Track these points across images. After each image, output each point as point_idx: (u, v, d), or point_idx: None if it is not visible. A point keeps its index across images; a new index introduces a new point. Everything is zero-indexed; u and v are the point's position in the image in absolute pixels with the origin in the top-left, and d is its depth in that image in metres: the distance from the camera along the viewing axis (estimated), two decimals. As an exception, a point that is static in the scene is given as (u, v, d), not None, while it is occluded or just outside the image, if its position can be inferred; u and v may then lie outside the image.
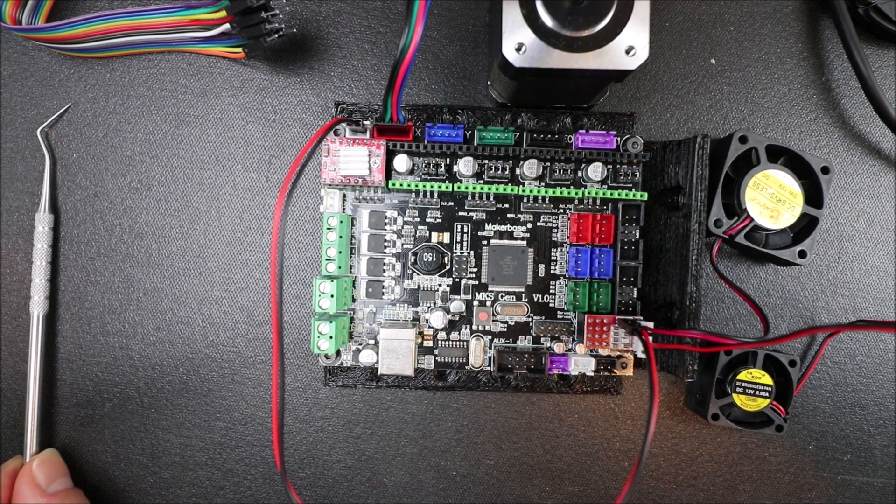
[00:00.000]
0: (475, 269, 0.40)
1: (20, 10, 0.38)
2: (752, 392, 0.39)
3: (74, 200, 0.41)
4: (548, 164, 0.39)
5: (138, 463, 0.41)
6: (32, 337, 0.40)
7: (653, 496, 0.42)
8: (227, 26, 0.36)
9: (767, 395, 0.39)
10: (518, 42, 0.31)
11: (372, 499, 0.42)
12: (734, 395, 0.39)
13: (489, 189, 0.39)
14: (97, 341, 0.41)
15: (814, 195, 0.39)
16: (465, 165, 0.39)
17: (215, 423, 0.41)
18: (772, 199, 0.38)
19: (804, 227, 0.39)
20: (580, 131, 0.38)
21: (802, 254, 0.39)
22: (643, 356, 0.38)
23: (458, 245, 0.40)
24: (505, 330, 0.40)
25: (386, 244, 0.40)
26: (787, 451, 0.42)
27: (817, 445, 0.42)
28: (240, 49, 0.38)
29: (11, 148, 0.41)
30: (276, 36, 0.37)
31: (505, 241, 0.40)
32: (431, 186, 0.39)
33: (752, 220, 0.38)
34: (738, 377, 0.39)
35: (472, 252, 0.40)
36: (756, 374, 0.39)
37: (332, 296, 0.36)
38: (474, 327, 0.40)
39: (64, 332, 0.41)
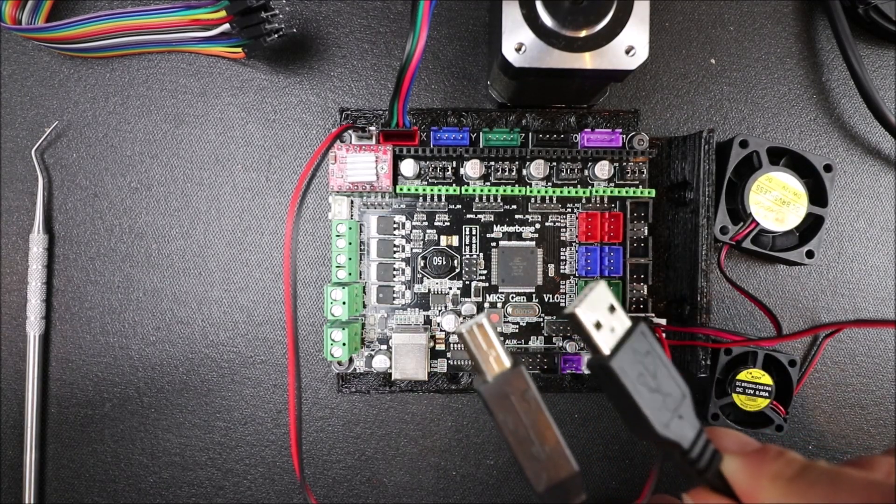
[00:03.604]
0: (485, 272, 0.40)
1: (20, 10, 0.38)
2: (752, 392, 0.39)
3: (74, 200, 0.41)
4: (554, 163, 0.39)
5: (138, 463, 0.41)
6: (30, 355, 0.40)
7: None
8: (226, 26, 0.36)
9: (767, 395, 0.39)
10: (518, 42, 0.31)
11: (372, 499, 0.42)
12: (734, 395, 0.39)
13: (496, 191, 0.39)
14: (97, 341, 0.41)
15: (817, 194, 0.39)
16: (471, 168, 0.39)
17: (215, 423, 0.41)
18: (776, 201, 0.38)
19: (810, 227, 0.39)
20: (585, 130, 0.38)
21: (810, 254, 0.39)
22: None
23: (467, 248, 0.40)
24: (517, 331, 0.40)
25: (395, 249, 0.40)
26: (787, 451, 0.42)
27: (817, 445, 0.42)
28: (240, 49, 0.38)
29: (11, 148, 0.41)
30: (276, 36, 0.37)
31: (514, 243, 0.40)
32: (439, 190, 0.39)
33: (758, 224, 0.38)
34: (738, 377, 0.39)
35: (481, 254, 0.40)
36: (756, 374, 0.39)
37: (343, 303, 0.36)
38: None
39: (63, 332, 0.41)
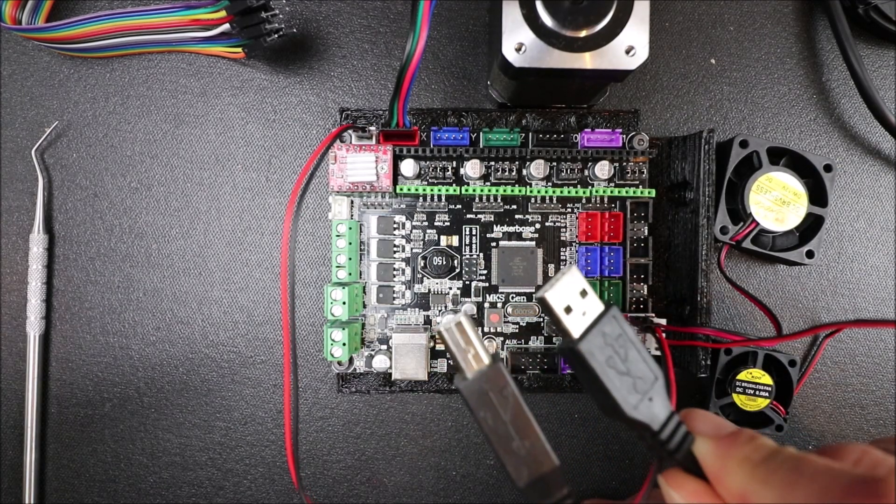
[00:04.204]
0: (485, 272, 0.40)
1: (20, 10, 0.38)
2: (752, 392, 0.39)
3: (74, 200, 0.41)
4: (554, 163, 0.39)
5: (138, 463, 0.41)
6: (30, 355, 0.40)
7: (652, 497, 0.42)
8: (227, 26, 0.36)
9: (767, 395, 0.39)
10: (518, 42, 0.31)
11: (372, 499, 0.42)
12: (734, 395, 0.39)
13: (496, 191, 0.39)
14: (97, 341, 0.41)
15: (817, 194, 0.39)
16: (471, 168, 0.39)
17: (215, 423, 0.41)
18: (776, 201, 0.38)
19: (810, 227, 0.39)
20: (586, 130, 0.38)
21: (810, 254, 0.39)
22: (657, 353, 0.38)
23: (467, 248, 0.40)
24: (517, 331, 0.40)
25: (395, 249, 0.40)
26: (787, 451, 0.42)
27: (817, 445, 0.42)
28: (240, 49, 0.38)
29: (11, 148, 0.41)
30: (276, 36, 0.37)
31: (514, 243, 0.40)
32: (439, 190, 0.39)
33: (758, 224, 0.38)
34: (738, 377, 0.39)
35: (481, 254, 0.40)
36: (756, 374, 0.39)
37: (343, 303, 0.36)
38: (486, 329, 0.40)
39: (63, 332, 0.41)
